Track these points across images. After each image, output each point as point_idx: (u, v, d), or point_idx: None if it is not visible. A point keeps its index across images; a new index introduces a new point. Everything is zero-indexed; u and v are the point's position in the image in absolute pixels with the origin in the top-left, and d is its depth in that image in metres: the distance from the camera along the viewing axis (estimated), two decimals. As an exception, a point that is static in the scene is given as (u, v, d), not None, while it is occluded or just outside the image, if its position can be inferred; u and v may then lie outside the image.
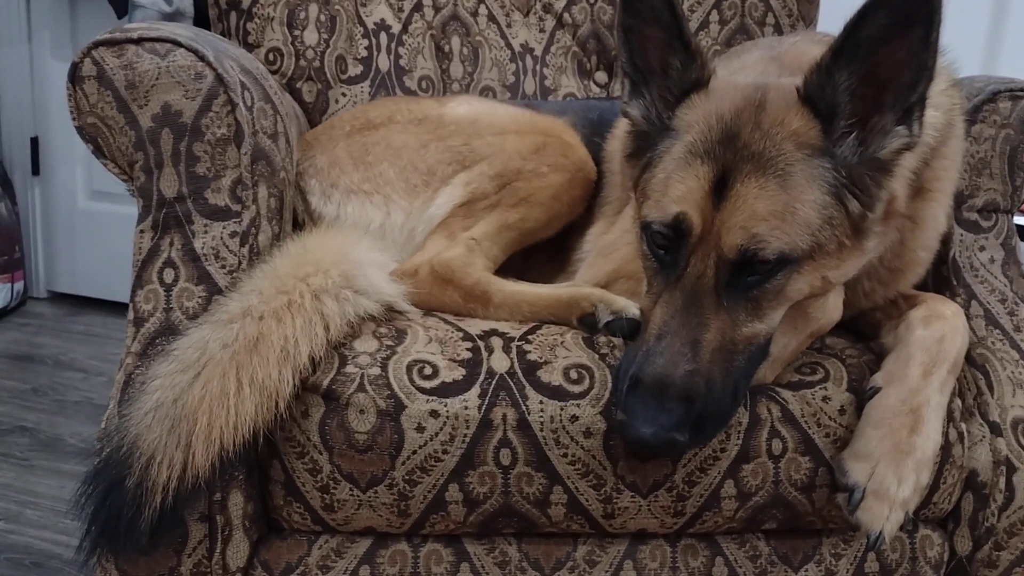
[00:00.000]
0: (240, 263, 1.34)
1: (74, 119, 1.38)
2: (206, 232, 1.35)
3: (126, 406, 1.22)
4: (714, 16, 2.22)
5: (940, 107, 1.35)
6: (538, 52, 2.22)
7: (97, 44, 1.35)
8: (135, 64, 1.34)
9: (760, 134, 1.18)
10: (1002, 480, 1.42)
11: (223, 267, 1.34)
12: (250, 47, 1.97)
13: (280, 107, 1.52)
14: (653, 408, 1.15)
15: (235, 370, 1.19)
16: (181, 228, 1.35)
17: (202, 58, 1.36)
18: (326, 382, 1.27)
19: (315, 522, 1.30)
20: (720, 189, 1.17)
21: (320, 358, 1.27)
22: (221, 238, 1.35)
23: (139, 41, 1.35)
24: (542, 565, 1.35)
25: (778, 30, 2.21)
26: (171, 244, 1.34)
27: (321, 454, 1.26)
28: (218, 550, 1.27)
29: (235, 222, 1.36)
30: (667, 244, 1.22)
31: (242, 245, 1.35)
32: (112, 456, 1.18)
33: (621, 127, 1.69)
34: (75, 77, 1.35)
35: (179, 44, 1.36)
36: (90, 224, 3.86)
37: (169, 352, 1.23)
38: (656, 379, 1.16)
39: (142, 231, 1.37)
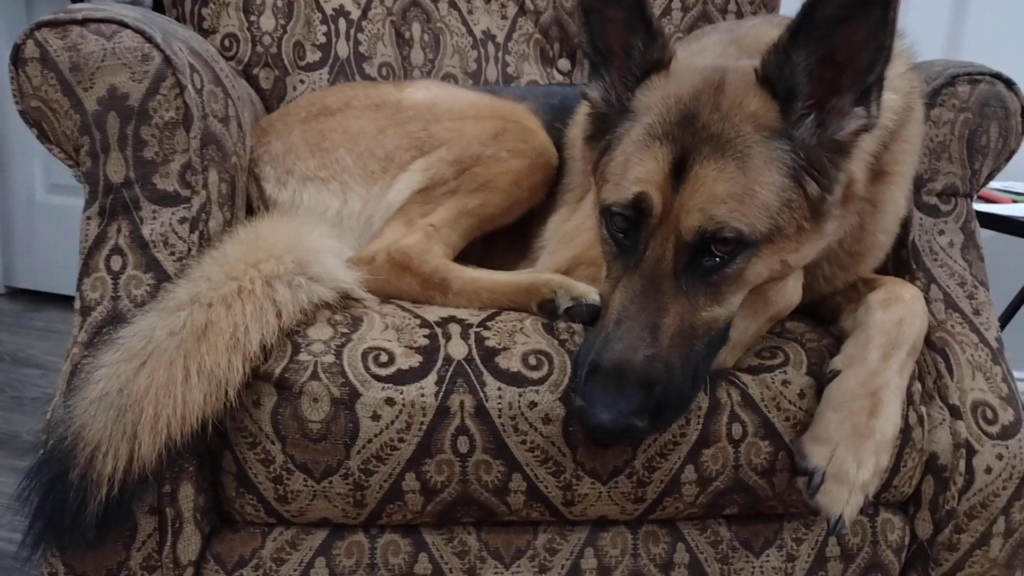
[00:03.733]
0: (190, 250, 1.31)
1: (17, 103, 1.34)
2: (155, 218, 1.31)
3: (71, 396, 1.18)
4: (676, 3, 2.21)
5: (899, 90, 1.34)
6: (500, 39, 2.20)
7: (40, 25, 1.31)
8: (79, 45, 1.30)
9: (719, 116, 1.17)
10: (962, 463, 1.42)
11: (172, 254, 1.30)
12: (205, 33, 1.93)
13: (232, 91, 1.48)
14: (612, 394, 1.13)
15: (182, 358, 1.15)
16: (129, 214, 1.31)
17: (149, 39, 1.32)
18: (278, 370, 1.24)
19: (269, 514, 1.27)
20: (679, 171, 1.16)
21: (272, 346, 1.24)
22: (170, 224, 1.31)
23: (84, 22, 1.31)
24: (502, 554, 1.33)
25: (740, 16, 2.20)
26: (118, 231, 1.31)
27: (274, 444, 1.23)
28: (168, 543, 1.23)
29: (184, 208, 1.32)
30: (626, 227, 1.20)
31: (192, 231, 1.32)
32: (56, 447, 1.15)
33: (582, 112, 1.67)
34: (17, 59, 1.31)
35: (125, 25, 1.32)
36: (49, 218, 3.79)
37: (115, 341, 1.19)
38: (615, 364, 1.14)
39: (88, 218, 1.33)
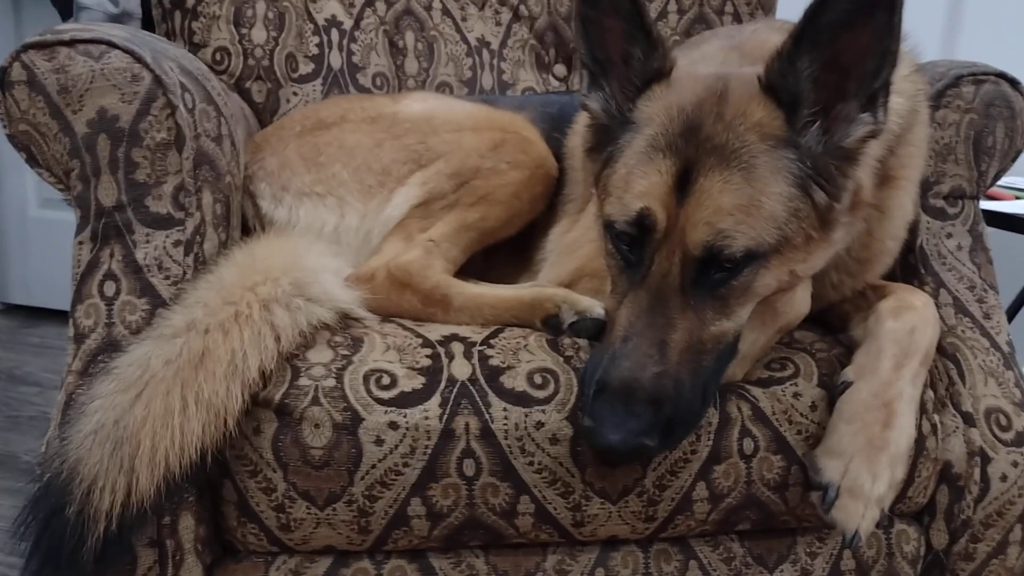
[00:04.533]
0: (185, 273, 1.28)
1: (4, 127, 1.31)
2: (148, 242, 1.28)
3: (66, 428, 1.15)
4: (672, 6, 2.18)
5: (904, 93, 1.32)
6: (495, 46, 2.17)
7: (27, 47, 1.28)
8: (67, 67, 1.27)
9: (723, 126, 1.14)
10: (977, 471, 1.39)
11: (167, 278, 1.27)
12: (196, 47, 1.90)
13: (224, 108, 1.45)
14: (621, 413, 1.11)
15: (179, 387, 1.13)
16: (121, 238, 1.28)
17: (139, 59, 1.29)
18: (278, 396, 1.21)
19: (271, 543, 1.24)
20: (683, 184, 1.13)
21: (271, 371, 1.21)
22: (164, 248, 1.28)
23: (71, 43, 1.28)
24: (511, 577, 1.31)
25: (737, 19, 2.18)
26: (111, 255, 1.28)
27: (275, 472, 1.20)
28: (169, 575, 1.21)
29: (178, 230, 1.30)
30: (631, 242, 1.18)
31: (187, 254, 1.29)
32: (52, 482, 1.12)
33: (582, 122, 1.65)
34: (4, 82, 1.28)
35: (114, 45, 1.29)
36: (43, 233, 3.76)
37: (110, 370, 1.16)
38: (623, 383, 1.12)
39: (81, 242, 1.30)
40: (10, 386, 3.11)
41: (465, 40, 2.15)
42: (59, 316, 3.72)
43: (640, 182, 1.16)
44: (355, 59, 2.05)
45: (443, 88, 2.11)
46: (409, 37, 2.11)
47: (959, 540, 1.41)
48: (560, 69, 2.22)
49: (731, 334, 1.19)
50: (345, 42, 2.04)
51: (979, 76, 1.53)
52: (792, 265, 1.18)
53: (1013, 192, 2.49)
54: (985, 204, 2.27)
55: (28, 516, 1.12)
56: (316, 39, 2.01)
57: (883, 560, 1.40)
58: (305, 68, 1.99)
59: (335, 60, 2.03)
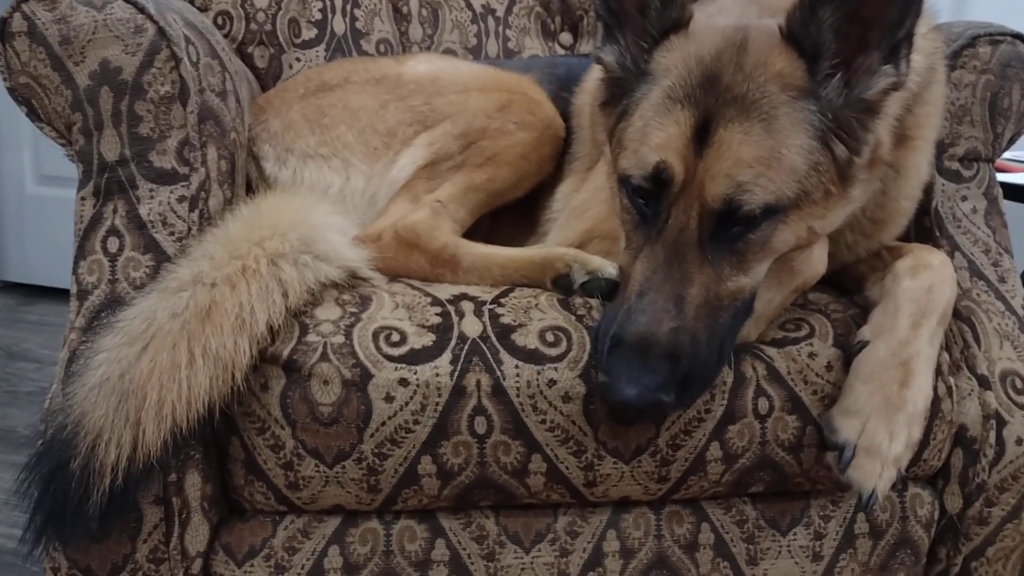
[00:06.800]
0: (190, 229, 1.26)
1: (5, 79, 1.29)
2: (152, 197, 1.26)
3: (70, 383, 1.13)
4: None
5: (922, 51, 1.29)
6: (500, 13, 2.14)
7: (27, -3, 1.25)
8: (69, 18, 1.24)
9: (743, 76, 1.12)
10: (992, 434, 1.37)
11: (171, 234, 1.25)
12: (198, 11, 1.87)
13: (228, 64, 1.42)
14: (637, 368, 1.09)
15: (186, 340, 1.10)
16: (125, 194, 1.26)
17: (142, 10, 1.26)
18: (286, 352, 1.19)
19: (279, 501, 1.22)
20: (702, 135, 1.11)
21: (279, 327, 1.19)
22: (168, 203, 1.26)
23: (73, -8, 1.25)
24: (521, 538, 1.28)
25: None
26: (115, 211, 1.25)
27: (283, 429, 1.18)
28: (176, 534, 1.18)
29: (183, 186, 1.27)
30: (646, 196, 1.15)
31: (191, 210, 1.27)
32: (56, 437, 1.10)
33: (590, 81, 1.63)
34: (4, 33, 1.25)
35: (117, -5, 1.26)
36: (39, 210, 3.72)
37: (114, 324, 1.14)
38: (639, 338, 1.10)
39: (83, 198, 1.28)
40: (9, 362, 3.09)
41: (470, 6, 2.11)
42: (57, 293, 3.70)
43: (657, 134, 1.14)
44: (359, 24, 2.01)
45: (448, 55, 2.07)
46: (413, 3, 2.08)
47: (973, 504, 1.39)
48: (566, 37, 2.19)
49: (748, 290, 1.17)
50: (348, 7, 2.01)
51: (996, 37, 1.51)
52: (810, 221, 1.16)
53: (1022, 164, 2.47)
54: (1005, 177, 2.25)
55: (31, 472, 1.11)
56: (319, 4, 1.98)
57: (897, 523, 1.38)
58: (308, 33, 1.96)
59: (338, 26, 1.99)
